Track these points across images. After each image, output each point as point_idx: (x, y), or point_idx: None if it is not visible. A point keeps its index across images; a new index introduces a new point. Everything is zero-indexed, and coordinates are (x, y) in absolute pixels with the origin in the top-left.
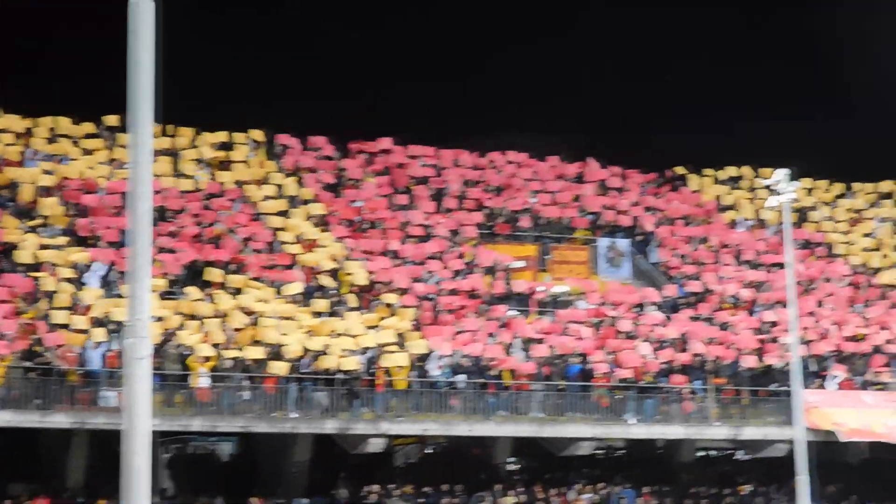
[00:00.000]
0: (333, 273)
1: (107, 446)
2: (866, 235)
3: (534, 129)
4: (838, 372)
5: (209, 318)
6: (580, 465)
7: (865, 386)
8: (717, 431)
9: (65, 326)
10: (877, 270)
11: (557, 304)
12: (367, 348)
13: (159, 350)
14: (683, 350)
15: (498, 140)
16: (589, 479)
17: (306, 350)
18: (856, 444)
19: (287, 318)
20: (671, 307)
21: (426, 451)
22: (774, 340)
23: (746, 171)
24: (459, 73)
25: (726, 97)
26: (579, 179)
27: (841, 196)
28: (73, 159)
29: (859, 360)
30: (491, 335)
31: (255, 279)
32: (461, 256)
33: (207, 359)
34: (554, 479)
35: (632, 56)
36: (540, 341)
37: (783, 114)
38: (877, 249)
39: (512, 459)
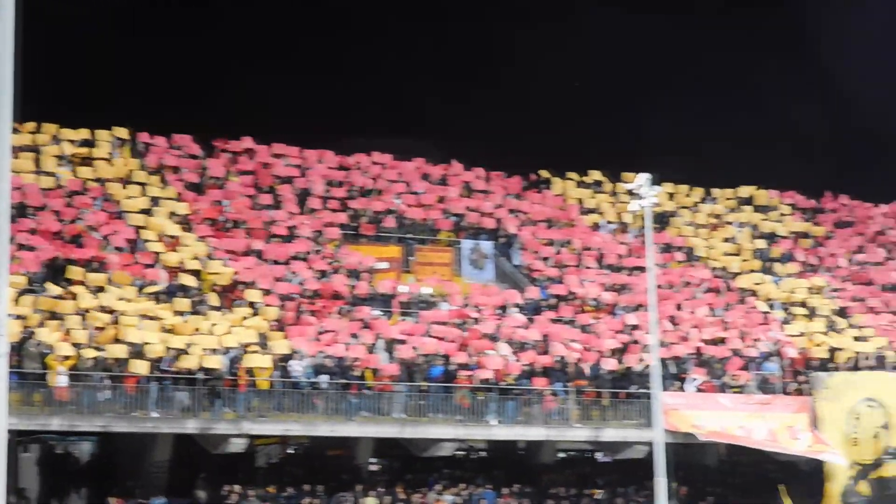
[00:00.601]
0: (196, 272)
1: None
2: (726, 240)
3: (399, 131)
4: (697, 375)
5: (69, 315)
6: (442, 466)
7: (723, 388)
8: (578, 433)
9: None
10: (736, 274)
11: (421, 305)
12: (230, 348)
13: (18, 348)
14: (545, 352)
15: (363, 141)
16: (450, 480)
17: (168, 349)
18: (713, 446)
19: (149, 317)
20: (533, 309)
21: (288, 452)
22: (635, 343)
23: (608, 175)
24: (326, 73)
25: (586, 102)
26: (444, 181)
27: (702, 201)
28: None
29: (718, 363)
30: (354, 336)
31: (116, 277)
32: (325, 257)
33: (67, 357)
34: (415, 480)
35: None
36: (403, 342)
37: (646, 119)
38: (736, 254)
39: (374, 460)
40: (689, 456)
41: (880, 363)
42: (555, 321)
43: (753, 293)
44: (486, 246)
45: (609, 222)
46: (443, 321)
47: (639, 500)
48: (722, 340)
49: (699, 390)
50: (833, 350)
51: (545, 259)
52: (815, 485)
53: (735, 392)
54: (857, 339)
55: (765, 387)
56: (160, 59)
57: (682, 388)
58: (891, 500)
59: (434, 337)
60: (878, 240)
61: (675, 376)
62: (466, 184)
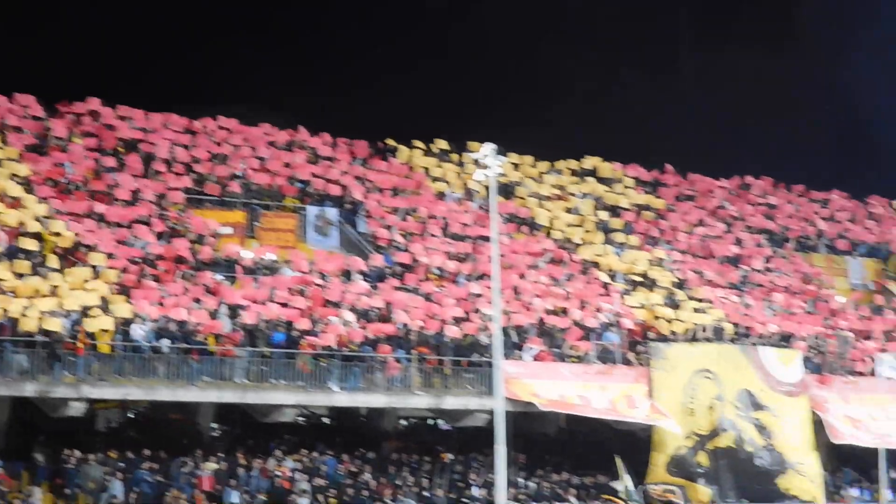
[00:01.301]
0: (37, 234)
1: None
2: (569, 211)
3: (246, 96)
4: (534, 345)
5: None
6: (283, 432)
7: (563, 358)
8: (420, 401)
9: None
10: (578, 245)
11: (264, 270)
12: (70, 311)
13: None
14: (388, 320)
15: (209, 105)
16: (291, 446)
17: (6, 311)
18: (553, 415)
19: None
20: (377, 277)
21: (128, 416)
22: (477, 312)
23: (454, 144)
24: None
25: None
26: (289, 147)
27: (546, 172)
28: None
29: (559, 332)
30: (197, 300)
31: None
32: (168, 221)
33: None
34: (256, 446)
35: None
36: (246, 308)
37: (493, 90)
38: (579, 225)
39: (215, 425)
40: (528, 425)
41: (717, 335)
42: (399, 289)
43: (595, 264)
44: (332, 213)
45: (454, 192)
46: (286, 287)
47: (479, 468)
48: (563, 310)
49: (537, 359)
50: (672, 321)
51: (390, 227)
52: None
53: (575, 362)
54: (695, 311)
55: (604, 357)
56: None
57: (522, 357)
58: (727, 469)
59: (277, 303)
60: (718, 213)
61: (516, 345)
62: (313, 150)
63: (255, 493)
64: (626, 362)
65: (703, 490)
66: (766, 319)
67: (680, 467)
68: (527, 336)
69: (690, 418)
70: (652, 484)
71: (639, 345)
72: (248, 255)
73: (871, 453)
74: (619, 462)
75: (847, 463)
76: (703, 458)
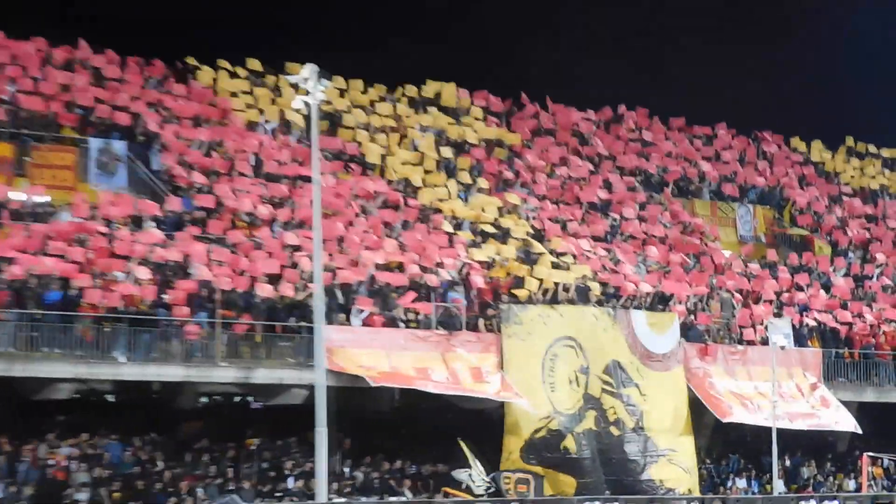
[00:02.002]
0: None
1: None
2: (406, 147)
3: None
4: (365, 307)
5: None
6: (57, 412)
7: (398, 323)
8: (225, 374)
9: None
10: (417, 189)
11: (36, 216)
12: None
13: None
14: (187, 276)
15: None
16: (67, 429)
17: None
18: (386, 391)
19: None
20: (175, 224)
21: None
22: (295, 267)
23: (269, 66)
24: None
25: None
26: (69, 66)
27: (379, 100)
28: None
29: (393, 293)
30: None
31: None
32: None
33: None
34: (26, 428)
35: None
36: (12, 261)
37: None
38: (418, 164)
39: None
40: (356, 403)
41: (582, 296)
42: (200, 239)
43: (437, 210)
44: (119, 146)
45: (268, 122)
46: (63, 236)
47: (296, 454)
48: (399, 266)
49: (368, 324)
50: (527, 280)
51: (190, 164)
52: (500, 438)
53: (412, 327)
54: (555, 267)
55: (447, 321)
56: None
57: (349, 322)
58: (594, 456)
59: (51, 255)
60: (584, 151)
61: (342, 308)
62: (96, 70)
63: (23, 486)
64: (474, 328)
65: (568, 480)
66: (638, 278)
67: (540, 453)
68: (355, 296)
69: (551, 395)
70: (507, 471)
71: (488, 307)
72: (16, 196)
73: (763, 438)
74: (464, 447)
75: (734, 449)
76: (569, 443)
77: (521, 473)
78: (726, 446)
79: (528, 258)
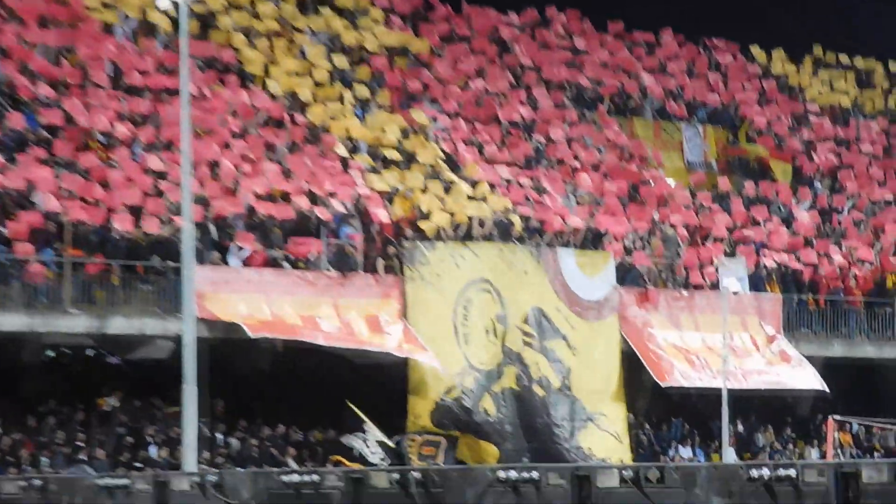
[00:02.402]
0: None
1: None
2: (294, 55)
3: None
4: (242, 244)
5: None
6: None
7: (281, 263)
8: (75, 323)
9: None
10: (305, 105)
11: None
12: None
13: None
14: (31, 206)
15: None
16: None
17: None
18: (267, 345)
19: None
20: (15, 144)
21: None
22: (160, 197)
23: None
24: None
25: None
26: None
27: None
28: None
29: (276, 227)
30: None
31: None
32: None
33: None
34: None
35: None
36: None
37: None
38: (307, 75)
39: None
40: (231, 358)
41: (501, 232)
42: (46, 162)
43: (329, 130)
44: None
45: (128, 24)
46: None
47: (159, 419)
48: (283, 196)
49: (247, 264)
50: (436, 213)
51: (35, 74)
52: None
53: (300, 268)
54: (469, 198)
55: (340, 261)
56: None
57: (225, 262)
58: (514, 419)
59: None
60: (505, 61)
61: (216, 245)
62: None
63: None
64: (371, 270)
65: (488, 448)
66: (567, 211)
67: (453, 416)
68: (231, 232)
69: (465, 348)
70: (414, 434)
71: (389, 245)
72: None
73: (712, 400)
74: (356, 410)
75: (677, 412)
76: (488, 404)
77: (430, 436)
78: (668, 409)
79: (438, 188)
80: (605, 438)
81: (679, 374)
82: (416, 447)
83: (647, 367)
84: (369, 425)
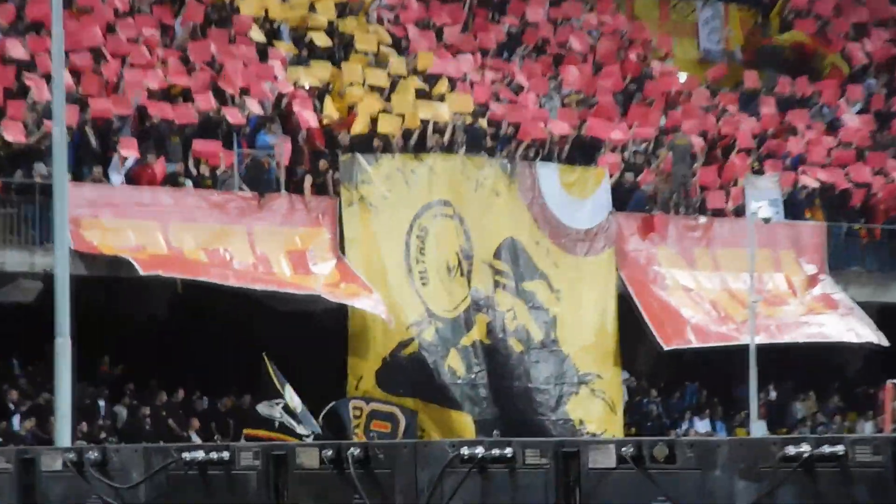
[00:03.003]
0: None
1: None
2: None
3: None
4: (128, 152)
5: None
6: None
7: (180, 179)
8: None
9: None
10: None
11: None
12: None
13: None
14: None
15: None
16: None
17: None
18: (163, 284)
19: None
20: None
21: None
22: (25, 96)
23: None
24: None
25: None
26: None
27: None
28: None
29: (174, 133)
30: None
31: None
32: None
33: None
34: None
35: None
36: None
37: None
38: None
39: None
40: (116, 302)
41: (467, 142)
42: None
43: (239, 10)
44: None
45: None
46: None
47: (25, 381)
48: (182, 94)
49: (133, 181)
50: (381, 116)
51: None
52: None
53: (206, 186)
54: (423, 96)
55: (257, 178)
56: None
57: (107, 178)
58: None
59: None
60: None
61: (97, 156)
62: None
63: None
64: (296, 189)
65: (460, 418)
66: (548, 114)
67: (408, 378)
68: (116, 137)
69: (421, 290)
70: (357, 400)
71: (321, 158)
72: None
73: (736, 359)
74: (272, 368)
75: (691, 375)
76: (455, 362)
77: (383, 405)
78: (681, 371)
79: (381, 83)
80: (598, 407)
81: (691, 332)
82: (363, 417)
83: (648, 322)
84: (286, 389)
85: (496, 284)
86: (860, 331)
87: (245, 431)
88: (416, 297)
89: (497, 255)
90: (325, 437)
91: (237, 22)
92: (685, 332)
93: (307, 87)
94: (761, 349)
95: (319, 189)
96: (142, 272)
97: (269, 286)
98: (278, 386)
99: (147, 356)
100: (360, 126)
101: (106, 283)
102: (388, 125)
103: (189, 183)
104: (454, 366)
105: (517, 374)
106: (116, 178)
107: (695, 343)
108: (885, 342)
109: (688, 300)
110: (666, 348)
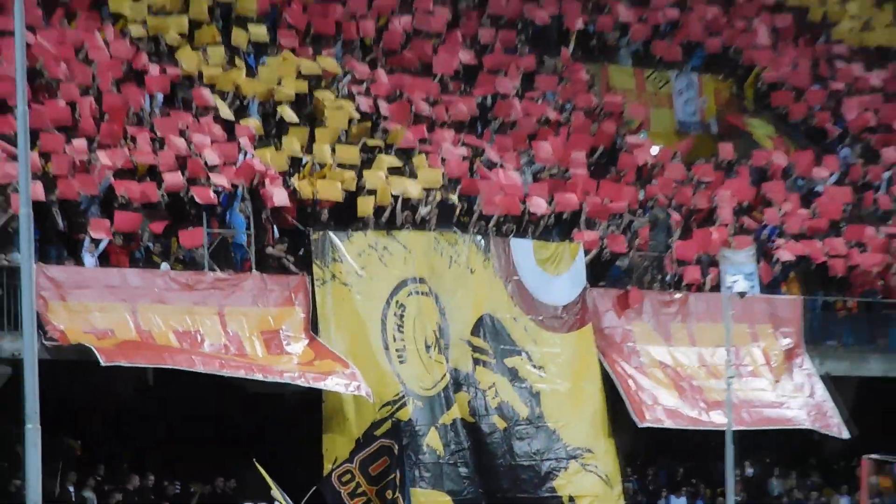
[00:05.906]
0: None
1: None
2: None
3: None
4: (101, 233)
5: None
6: None
7: (149, 260)
8: None
9: None
10: (174, 48)
11: None
12: None
13: None
14: None
15: None
16: None
17: None
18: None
19: None
20: None
21: None
22: None
23: None
24: None
25: None
26: None
27: None
28: None
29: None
30: None
31: None
32: None
33: None
34: None
35: None
36: None
37: None
38: (182, 13)
39: None
40: (85, 388)
41: (439, 217)
42: None
43: (210, 84)
44: None
45: None
46: None
47: None
48: (149, 172)
49: (104, 261)
50: (356, 193)
51: None
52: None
53: (176, 268)
54: (395, 171)
55: (225, 256)
56: None
57: (77, 260)
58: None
59: None
60: None
61: (64, 237)
62: None
63: None
64: (267, 265)
65: (441, 500)
66: (521, 189)
67: (385, 458)
68: (84, 220)
69: (399, 368)
70: (341, 467)
71: (292, 235)
72: None
73: (712, 436)
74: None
75: (668, 452)
76: (434, 441)
77: (369, 449)
78: (657, 448)
79: (351, 157)
80: (590, 482)
81: (660, 414)
82: (358, 479)
83: (625, 399)
84: (277, 490)
85: (476, 362)
86: (829, 422)
87: None
88: (393, 375)
89: (475, 331)
90: None
91: (203, 96)
92: (658, 413)
93: (276, 164)
94: (740, 434)
95: (289, 267)
96: (103, 362)
97: (238, 372)
98: (272, 486)
99: (118, 441)
100: (330, 203)
101: (72, 370)
102: (360, 203)
103: (165, 265)
104: (433, 445)
105: (501, 451)
106: (89, 260)
107: (668, 424)
108: (846, 435)
109: (663, 377)
110: (640, 425)
